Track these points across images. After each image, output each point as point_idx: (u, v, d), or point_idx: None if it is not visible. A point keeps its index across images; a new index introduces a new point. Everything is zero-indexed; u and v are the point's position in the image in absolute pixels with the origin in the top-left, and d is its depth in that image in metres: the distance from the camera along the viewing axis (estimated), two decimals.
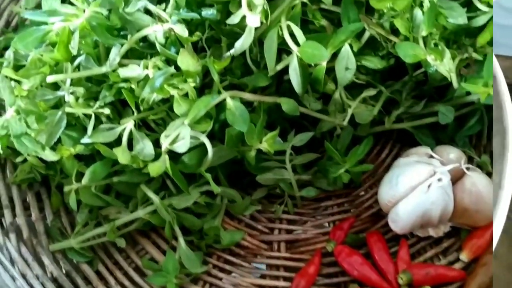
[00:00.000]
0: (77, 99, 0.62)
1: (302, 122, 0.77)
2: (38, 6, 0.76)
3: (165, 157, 0.60)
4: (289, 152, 0.72)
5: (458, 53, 0.68)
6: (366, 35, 0.69)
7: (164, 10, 0.66)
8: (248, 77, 0.69)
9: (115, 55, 0.59)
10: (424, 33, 0.64)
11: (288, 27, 0.65)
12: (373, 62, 0.70)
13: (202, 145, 0.64)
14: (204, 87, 0.68)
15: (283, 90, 0.73)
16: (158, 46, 0.62)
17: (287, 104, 0.67)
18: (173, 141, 0.60)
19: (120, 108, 0.66)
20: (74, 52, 0.57)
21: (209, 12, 0.67)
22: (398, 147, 0.81)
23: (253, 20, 0.59)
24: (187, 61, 0.59)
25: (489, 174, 0.76)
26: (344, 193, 0.79)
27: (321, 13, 0.69)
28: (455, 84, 0.65)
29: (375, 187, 0.78)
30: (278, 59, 0.67)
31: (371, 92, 0.72)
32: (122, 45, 0.61)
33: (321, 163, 0.76)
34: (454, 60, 0.66)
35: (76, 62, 0.63)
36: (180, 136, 0.60)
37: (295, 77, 0.66)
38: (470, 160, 0.77)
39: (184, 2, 0.68)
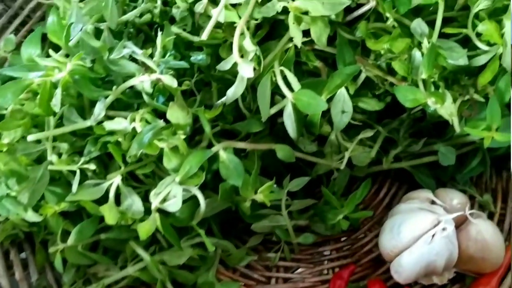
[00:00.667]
0: (60, 155, 0.58)
1: (297, 164, 0.74)
2: (19, 47, 0.72)
3: (155, 216, 0.57)
4: (284, 199, 0.69)
5: (459, 94, 0.65)
6: (363, 76, 0.66)
7: (151, 55, 0.63)
8: (240, 122, 0.66)
9: (99, 110, 0.56)
10: (424, 76, 0.62)
11: (282, 72, 0.62)
12: (370, 104, 0.67)
13: (194, 197, 0.61)
14: (195, 132, 0.65)
15: (277, 132, 0.70)
16: (145, 97, 0.58)
17: (282, 151, 0.64)
18: (164, 199, 0.57)
19: (106, 161, 0.62)
20: (57, 110, 0.54)
21: (198, 58, 0.64)
22: (397, 186, 0.79)
23: (246, 70, 0.56)
24: (177, 114, 0.56)
25: (491, 214, 0.74)
26: (343, 237, 0.76)
27: (315, 53, 0.67)
28: (457, 128, 0.63)
29: (374, 229, 0.75)
30: (272, 102, 0.64)
31: (368, 133, 0.69)
32: (107, 96, 0.58)
33: (318, 208, 0.73)
34: (455, 102, 0.63)
35: (59, 113, 0.60)
36: (171, 194, 0.57)
37: (289, 123, 0.64)
38: (471, 198, 0.75)
39: (172, 44, 0.65)
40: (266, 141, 0.67)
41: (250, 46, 0.58)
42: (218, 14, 0.56)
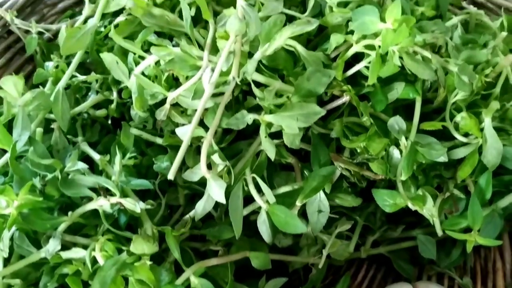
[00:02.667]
0: None
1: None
2: None
3: None
4: None
5: (438, 189, 0.63)
6: (338, 172, 0.62)
7: (110, 161, 0.58)
8: (211, 229, 0.61)
9: (54, 245, 0.50)
10: (403, 178, 0.58)
11: (254, 178, 0.57)
12: (347, 201, 0.64)
13: None
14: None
15: (249, 226, 0.66)
16: (105, 223, 0.53)
17: (257, 259, 0.60)
18: None
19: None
20: (5, 255, 0.48)
21: (162, 165, 0.59)
22: (375, 268, 0.76)
23: (217, 193, 0.51)
24: (141, 246, 0.51)
25: None
26: None
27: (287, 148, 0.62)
28: (438, 231, 0.60)
29: None
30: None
31: (346, 226, 0.66)
32: (62, 222, 0.52)
33: None
34: (436, 201, 0.61)
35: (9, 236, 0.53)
36: None
37: (264, 229, 0.59)
38: (451, 280, 0.73)
39: (132, 143, 0.60)
40: (239, 243, 0.63)
41: (219, 160, 0.53)
42: (185, 133, 0.51)
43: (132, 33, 0.63)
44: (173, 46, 0.59)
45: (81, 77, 0.66)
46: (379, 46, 0.54)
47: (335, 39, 0.56)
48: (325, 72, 0.55)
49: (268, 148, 0.54)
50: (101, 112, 0.64)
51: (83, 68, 0.68)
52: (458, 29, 0.65)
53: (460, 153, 0.62)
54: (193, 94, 0.51)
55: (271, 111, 0.54)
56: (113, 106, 0.63)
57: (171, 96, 0.54)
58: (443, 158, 0.60)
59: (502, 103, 0.63)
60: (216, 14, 0.64)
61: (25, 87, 0.64)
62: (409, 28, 0.51)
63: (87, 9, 0.73)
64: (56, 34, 0.78)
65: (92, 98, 0.65)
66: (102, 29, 0.68)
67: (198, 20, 0.63)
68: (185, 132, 0.49)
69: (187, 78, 0.55)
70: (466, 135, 0.62)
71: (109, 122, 0.68)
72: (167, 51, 0.55)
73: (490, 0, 0.82)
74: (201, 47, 0.58)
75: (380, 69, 0.55)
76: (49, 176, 0.54)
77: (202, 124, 0.56)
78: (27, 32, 0.76)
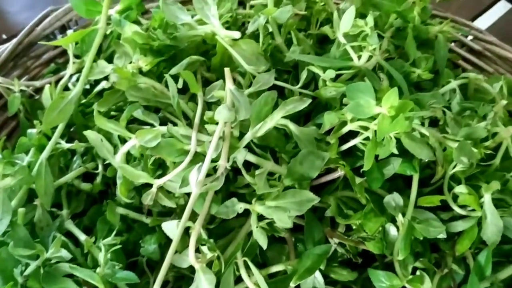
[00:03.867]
0: None
1: None
2: None
3: None
4: None
5: (436, 265, 0.61)
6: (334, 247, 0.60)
7: (96, 237, 0.56)
8: None
9: None
10: (400, 258, 0.56)
11: (245, 262, 0.55)
12: (343, 276, 0.61)
13: None
14: None
15: None
16: None
17: None
18: None
19: None
20: None
21: (149, 249, 0.57)
22: None
23: (205, 287, 0.49)
24: None
25: None
26: None
27: None
28: None
29: None
30: None
31: None
32: None
33: None
34: (434, 278, 0.59)
35: None
36: None
37: None
38: None
39: (117, 221, 0.58)
40: None
41: (208, 251, 0.51)
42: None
43: (117, 104, 0.60)
44: (160, 119, 0.57)
45: (65, 145, 0.63)
46: (375, 131, 0.51)
47: (329, 119, 0.54)
48: (318, 155, 0.53)
49: (260, 238, 0.51)
50: (86, 186, 0.62)
51: (67, 134, 0.65)
52: (456, 96, 0.63)
53: (459, 226, 0.60)
54: (181, 182, 0.49)
55: (262, 198, 0.52)
56: (98, 181, 0.61)
57: (158, 183, 0.51)
58: (442, 235, 0.58)
59: (502, 173, 0.61)
60: (207, 81, 0.62)
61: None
62: (406, 112, 0.49)
63: (71, 67, 0.70)
64: (40, 89, 0.75)
65: (76, 170, 0.62)
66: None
67: (187, 89, 0.60)
68: (171, 228, 0.47)
69: (174, 163, 0.52)
70: (465, 206, 0.60)
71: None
72: (152, 134, 0.52)
73: (488, 49, 0.80)
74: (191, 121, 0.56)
75: (375, 152, 0.52)
76: (32, 265, 0.52)
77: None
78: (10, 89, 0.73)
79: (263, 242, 0.51)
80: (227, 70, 0.51)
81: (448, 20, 0.69)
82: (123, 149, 0.54)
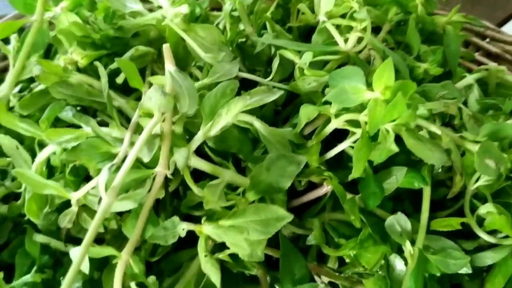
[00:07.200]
0: None
1: None
2: None
3: None
4: None
5: None
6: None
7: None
8: None
9: None
10: None
11: None
12: None
13: None
14: None
15: None
16: None
17: None
18: None
19: None
20: None
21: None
22: None
23: None
24: None
25: None
26: None
27: None
28: None
29: None
30: None
31: None
32: None
33: None
34: None
35: None
36: None
37: None
38: None
39: (38, 253, 0.44)
40: None
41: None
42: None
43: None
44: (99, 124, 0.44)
45: None
46: (366, 123, 0.38)
47: (306, 113, 0.41)
48: (292, 159, 0.39)
49: (211, 272, 0.37)
50: (4, 209, 0.49)
51: None
52: (474, 91, 0.50)
53: (487, 259, 0.45)
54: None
55: (216, 214, 0.38)
56: (20, 202, 0.48)
57: (75, 197, 0.38)
58: (465, 270, 0.43)
59: None
60: None
61: None
62: (407, 98, 0.36)
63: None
64: None
65: None
66: None
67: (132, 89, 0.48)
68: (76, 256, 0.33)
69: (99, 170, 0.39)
70: (494, 231, 0.46)
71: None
72: (74, 134, 0.40)
73: (508, 50, 0.67)
74: None
75: (369, 154, 0.39)
76: None
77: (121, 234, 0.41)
78: None
79: (215, 278, 0.37)
80: (165, 47, 0.39)
81: (456, 8, 0.57)
82: (40, 157, 0.42)
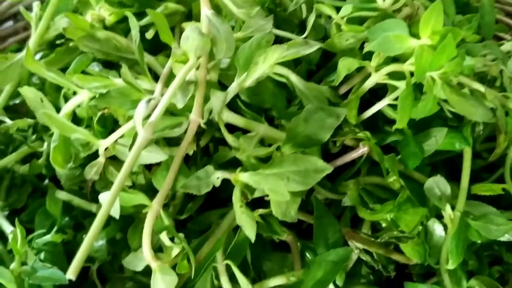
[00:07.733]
0: None
1: None
2: None
3: None
4: None
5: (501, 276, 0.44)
6: (354, 256, 0.43)
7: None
8: None
9: None
10: (451, 267, 0.39)
11: (229, 267, 0.39)
12: None
13: None
14: None
15: None
16: None
17: None
18: None
19: None
20: None
21: (95, 245, 0.41)
22: None
23: None
24: None
25: None
26: None
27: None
28: None
29: None
30: None
31: None
32: None
33: None
34: None
35: None
36: None
37: None
38: None
39: (59, 212, 0.43)
40: None
41: (170, 242, 0.35)
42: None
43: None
44: None
45: (8, 122, 0.49)
46: (411, 73, 0.36)
47: (345, 65, 0.39)
48: (331, 111, 0.37)
49: (246, 224, 0.35)
50: (24, 168, 0.47)
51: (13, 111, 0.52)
52: None
53: None
54: (131, 141, 0.34)
55: (251, 167, 0.36)
56: (40, 161, 0.46)
57: (104, 145, 0.37)
58: (507, 237, 0.41)
59: None
60: None
61: None
62: (455, 44, 0.34)
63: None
64: None
65: (18, 151, 0.48)
66: None
67: (161, 47, 0.47)
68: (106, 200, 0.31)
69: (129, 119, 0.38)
70: None
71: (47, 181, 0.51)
72: (103, 82, 0.38)
73: None
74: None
75: (413, 107, 0.37)
76: None
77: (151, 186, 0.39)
78: None
79: (251, 231, 0.35)
80: None
81: None
82: (66, 107, 0.40)
